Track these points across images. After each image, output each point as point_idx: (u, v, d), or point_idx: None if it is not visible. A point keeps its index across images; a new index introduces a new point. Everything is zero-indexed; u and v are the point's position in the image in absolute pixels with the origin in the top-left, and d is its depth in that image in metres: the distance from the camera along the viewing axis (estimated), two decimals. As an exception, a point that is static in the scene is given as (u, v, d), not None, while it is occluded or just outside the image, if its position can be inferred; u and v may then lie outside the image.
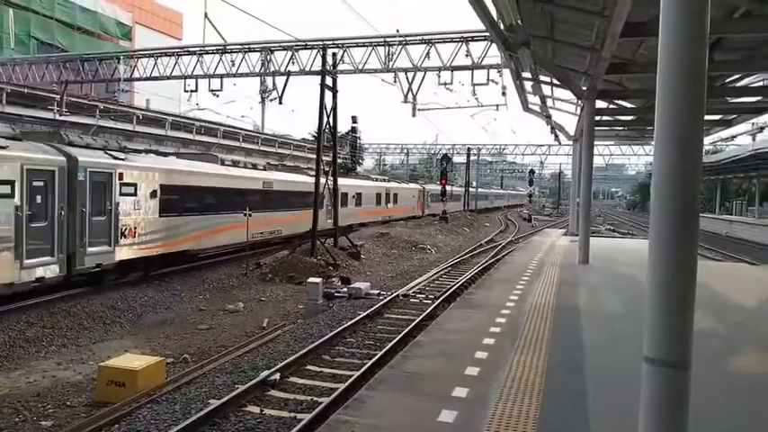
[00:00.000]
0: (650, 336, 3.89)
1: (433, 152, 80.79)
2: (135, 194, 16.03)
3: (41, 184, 13.17)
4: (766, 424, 5.27)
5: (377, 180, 43.43)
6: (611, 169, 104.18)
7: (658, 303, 3.88)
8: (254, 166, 24.05)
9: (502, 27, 13.16)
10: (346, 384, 8.51)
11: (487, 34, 20.89)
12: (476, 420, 4.95)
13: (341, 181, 30.24)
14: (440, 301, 14.83)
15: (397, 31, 23.31)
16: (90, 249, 14.46)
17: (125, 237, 15.64)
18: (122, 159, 15.87)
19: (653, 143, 3.97)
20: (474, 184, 65.44)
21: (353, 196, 34.55)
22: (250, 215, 21.02)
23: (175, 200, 17.59)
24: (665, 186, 3.85)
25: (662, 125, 3.89)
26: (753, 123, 35.37)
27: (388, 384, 5.93)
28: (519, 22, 9.80)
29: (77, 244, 14.06)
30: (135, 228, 16.02)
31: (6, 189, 12.29)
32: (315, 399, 8.33)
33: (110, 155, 15.60)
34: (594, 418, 5.12)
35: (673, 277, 3.83)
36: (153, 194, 16.67)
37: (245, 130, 44.78)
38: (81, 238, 14.16)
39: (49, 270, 13.38)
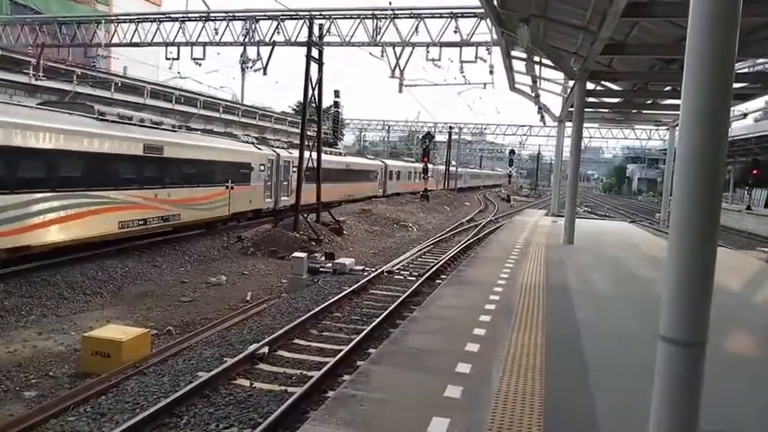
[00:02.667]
0: (668, 315, 3.84)
1: (414, 130, 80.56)
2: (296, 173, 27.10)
3: (270, 165, 25.61)
4: (747, 400, 5.39)
5: (409, 161, 58.34)
6: (589, 152, 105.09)
7: (677, 283, 3.83)
8: (341, 154, 39.89)
9: (495, 3, 12.99)
10: (336, 359, 8.47)
11: (478, 10, 20.71)
12: (482, 396, 4.93)
13: (390, 162, 45.91)
14: (424, 278, 14.83)
15: (390, 3, 22.91)
16: (281, 198, 27.03)
17: (292, 193, 26.58)
18: (291, 153, 27.93)
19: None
20: (454, 163, 65.53)
21: (396, 173, 47.50)
22: (340, 184, 33.76)
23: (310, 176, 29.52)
24: (688, 163, 3.79)
25: (688, 103, 3.81)
26: (731, 111, 35.82)
27: (391, 359, 5.87)
28: (523, -4, 9.65)
29: (277, 195, 26.58)
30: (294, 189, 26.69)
31: (263, 168, 24.90)
32: (304, 373, 8.28)
33: (288, 152, 28.26)
34: (598, 393, 5.14)
35: (693, 257, 3.78)
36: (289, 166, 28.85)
37: (226, 101, 43.95)
38: (278, 192, 26.71)
39: (270, 205, 25.94)
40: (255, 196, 24.49)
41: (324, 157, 31.52)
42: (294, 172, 26.69)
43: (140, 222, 16.87)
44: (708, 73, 3.78)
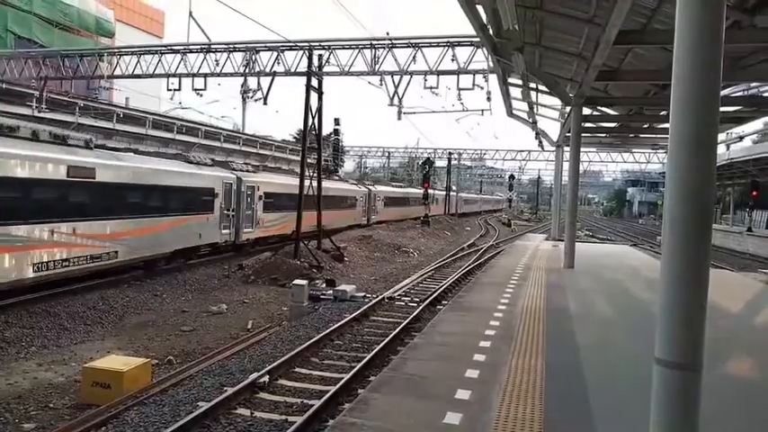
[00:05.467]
0: (662, 338, 3.88)
1: (414, 156, 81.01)
2: (380, 200, 44.35)
3: (365, 197, 41.54)
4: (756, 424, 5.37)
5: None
6: (589, 176, 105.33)
7: (671, 306, 3.88)
8: (401, 186, 59.71)
9: (491, 32, 13.24)
10: (337, 387, 8.43)
11: (474, 39, 21.01)
12: (481, 422, 4.93)
13: (431, 191, 53.77)
14: (425, 304, 14.80)
15: (387, 33, 23.26)
16: (372, 217, 42.26)
17: (377, 213, 43.30)
18: (377, 188, 45.15)
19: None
20: (454, 188, 65.78)
21: (436, 199, 58.78)
22: (402, 207, 51.07)
23: (388, 201, 45.87)
24: (678, 189, 3.87)
25: (676, 128, 3.91)
26: (727, 133, 36.06)
27: (391, 386, 5.88)
28: (516, 27, 9.84)
29: (369, 215, 41.92)
30: (378, 210, 43.52)
31: (363, 198, 41.05)
32: (305, 401, 8.24)
33: (375, 187, 45.29)
34: (599, 418, 5.13)
35: (685, 280, 3.83)
36: (383, 200, 44.80)
37: (227, 130, 44.36)
38: (370, 213, 42.08)
39: (364, 221, 40.90)
40: (357, 215, 39.82)
41: (395, 189, 53.00)
42: (378, 200, 43.90)
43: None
44: (694, 99, 3.88)
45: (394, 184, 59.14)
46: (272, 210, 25.90)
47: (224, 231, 22.25)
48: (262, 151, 46.85)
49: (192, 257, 20.99)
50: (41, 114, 27.32)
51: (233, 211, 22.78)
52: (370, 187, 43.44)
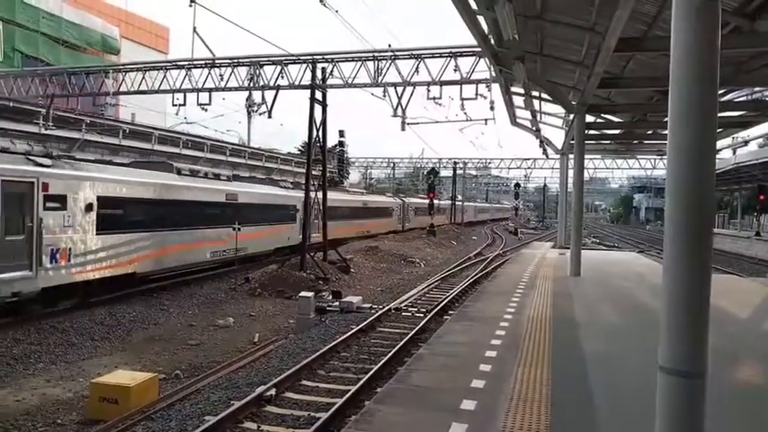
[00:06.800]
0: (666, 345, 3.87)
1: (419, 166, 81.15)
2: (411, 210, 53.77)
3: (400, 207, 50.14)
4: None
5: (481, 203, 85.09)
6: (595, 183, 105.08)
7: (673, 313, 3.87)
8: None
9: (492, 42, 13.31)
10: (343, 399, 8.41)
11: (476, 49, 21.10)
12: (487, 433, 4.91)
13: (478, 204, 71.75)
14: (432, 314, 14.77)
15: (389, 45, 23.42)
16: (405, 224, 49.93)
17: (410, 221, 51.70)
18: (407, 199, 54.72)
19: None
20: (460, 197, 65.81)
21: (478, 209, 74.36)
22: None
23: (416, 211, 53.89)
24: (678, 196, 3.87)
25: (675, 134, 3.92)
26: (734, 138, 35.90)
27: (396, 398, 5.87)
28: (516, 36, 9.90)
29: (404, 221, 50.02)
30: (410, 219, 51.62)
31: (398, 208, 50.02)
32: (312, 414, 8.22)
33: (408, 199, 54.96)
34: (606, 428, 5.10)
35: (687, 286, 3.83)
36: (413, 210, 53.58)
37: (232, 144, 44.56)
38: (405, 220, 50.57)
39: (400, 227, 48.94)
40: (394, 222, 47.45)
41: (421, 200, 56.00)
42: (413, 209, 52.12)
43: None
44: (692, 106, 3.89)
45: (420, 195, 65.87)
46: (331, 219, 29.29)
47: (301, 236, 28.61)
48: (267, 164, 47.01)
49: (280, 255, 26.68)
50: (48, 132, 27.55)
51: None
52: (403, 199, 52.04)
